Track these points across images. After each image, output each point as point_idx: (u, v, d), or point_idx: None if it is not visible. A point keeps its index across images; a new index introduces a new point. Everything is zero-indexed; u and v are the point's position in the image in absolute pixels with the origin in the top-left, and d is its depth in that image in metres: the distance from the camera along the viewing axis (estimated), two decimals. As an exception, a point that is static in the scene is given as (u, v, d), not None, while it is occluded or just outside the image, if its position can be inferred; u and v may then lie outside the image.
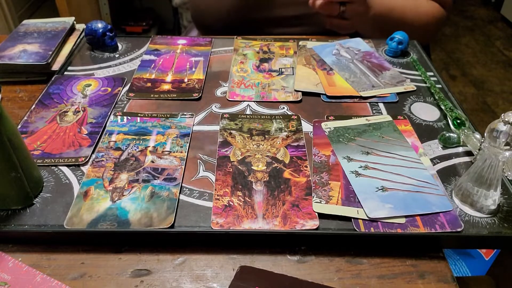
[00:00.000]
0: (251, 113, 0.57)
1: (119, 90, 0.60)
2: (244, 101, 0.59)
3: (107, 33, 0.69)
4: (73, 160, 0.48)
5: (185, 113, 0.56)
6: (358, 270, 0.39)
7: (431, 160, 0.49)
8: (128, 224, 0.41)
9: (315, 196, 0.44)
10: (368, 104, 0.59)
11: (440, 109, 0.57)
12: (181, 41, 0.72)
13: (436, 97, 0.59)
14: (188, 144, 0.51)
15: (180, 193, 0.44)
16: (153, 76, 0.63)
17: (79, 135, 0.52)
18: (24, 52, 0.65)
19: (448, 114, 0.55)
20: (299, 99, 0.59)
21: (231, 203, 0.43)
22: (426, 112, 0.57)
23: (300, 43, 0.72)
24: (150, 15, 2.18)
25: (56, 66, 0.65)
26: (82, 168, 0.47)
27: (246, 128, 0.53)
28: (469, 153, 0.50)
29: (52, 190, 0.45)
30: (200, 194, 0.45)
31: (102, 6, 1.96)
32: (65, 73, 0.65)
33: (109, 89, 0.60)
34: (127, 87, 0.61)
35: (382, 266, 0.40)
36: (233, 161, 0.48)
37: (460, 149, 0.51)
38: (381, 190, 0.44)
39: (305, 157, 0.49)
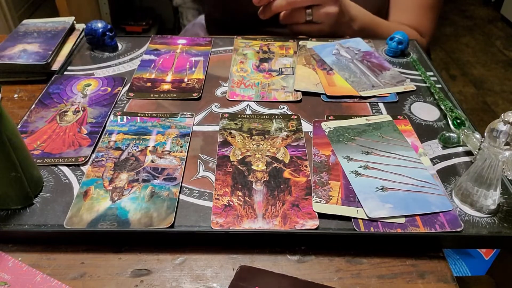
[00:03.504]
0: (251, 113, 0.57)
1: (119, 90, 0.60)
2: (244, 101, 0.59)
3: (107, 33, 0.69)
4: (73, 160, 0.48)
5: (185, 113, 0.56)
6: (358, 270, 0.39)
7: (431, 160, 0.49)
8: (128, 224, 0.41)
9: (315, 196, 0.44)
10: (368, 104, 0.59)
11: (440, 109, 0.57)
12: (181, 41, 0.72)
13: (436, 97, 0.59)
14: (188, 144, 0.51)
15: (180, 193, 0.44)
16: (153, 76, 0.63)
17: (79, 134, 0.52)
18: (24, 52, 0.65)
19: (448, 114, 0.55)
20: (299, 99, 0.59)
21: (231, 203, 0.43)
22: (426, 112, 0.57)
23: (300, 43, 0.72)
24: (150, 14, 2.18)
25: (56, 66, 0.65)
26: (82, 168, 0.47)
27: (246, 128, 0.53)
28: (469, 153, 0.50)
29: (52, 190, 0.45)
30: (200, 194, 0.45)
31: (102, 5, 1.96)
32: (65, 73, 0.65)
33: (109, 89, 0.60)
34: (127, 87, 0.61)
35: (382, 266, 0.40)
36: (233, 161, 0.48)
37: (460, 149, 0.51)
38: (381, 190, 0.44)
39: (305, 157, 0.49)
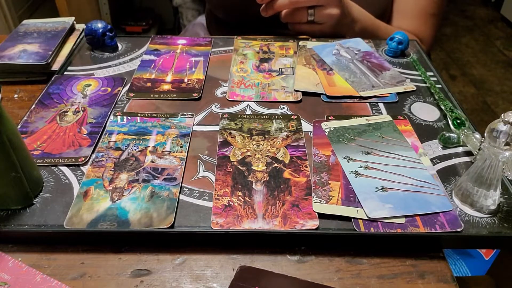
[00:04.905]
0: (251, 113, 0.57)
1: (119, 90, 0.60)
2: (244, 101, 0.59)
3: (107, 33, 0.69)
4: (73, 160, 0.48)
5: (185, 113, 0.56)
6: (358, 270, 0.39)
7: (431, 160, 0.49)
8: (128, 224, 0.41)
9: (315, 196, 0.44)
10: (368, 104, 0.59)
11: (440, 109, 0.57)
12: (181, 41, 0.72)
13: (436, 97, 0.59)
14: (188, 144, 0.51)
15: (180, 193, 0.44)
16: (153, 76, 0.63)
17: (79, 135, 0.52)
18: (24, 52, 0.65)
19: (448, 114, 0.55)
20: (299, 99, 0.59)
21: (231, 203, 0.43)
22: (426, 112, 0.57)
23: (300, 43, 0.72)
24: (150, 15, 2.18)
25: (56, 66, 0.65)
26: (82, 168, 0.47)
27: (246, 128, 0.53)
28: (469, 153, 0.50)
29: (52, 190, 0.45)
30: (200, 194, 0.45)
31: (102, 6, 1.96)
32: (65, 73, 0.65)
33: (109, 89, 0.60)
34: (127, 87, 0.61)
35: (382, 266, 0.40)
36: (233, 161, 0.48)
37: (460, 149, 0.51)
38: (381, 190, 0.44)
39: (305, 157, 0.49)
